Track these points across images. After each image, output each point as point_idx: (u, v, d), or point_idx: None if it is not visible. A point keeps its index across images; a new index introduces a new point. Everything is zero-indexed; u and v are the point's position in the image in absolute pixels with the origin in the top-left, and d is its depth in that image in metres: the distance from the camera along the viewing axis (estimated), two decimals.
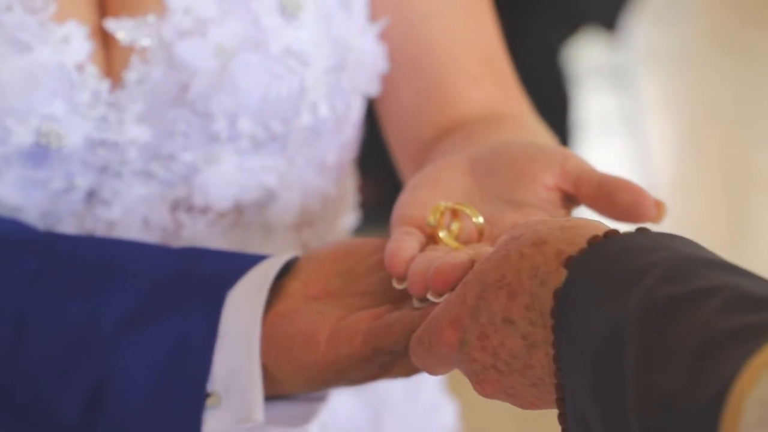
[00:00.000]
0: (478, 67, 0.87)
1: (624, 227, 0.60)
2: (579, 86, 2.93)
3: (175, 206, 0.83)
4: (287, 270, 0.74)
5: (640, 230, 0.57)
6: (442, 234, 0.71)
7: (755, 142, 3.46)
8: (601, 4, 2.83)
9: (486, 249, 0.67)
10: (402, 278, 0.69)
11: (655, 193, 0.69)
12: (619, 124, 3.31)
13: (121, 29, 0.78)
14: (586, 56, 3.16)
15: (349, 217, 0.94)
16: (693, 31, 4.11)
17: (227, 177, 0.82)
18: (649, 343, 0.50)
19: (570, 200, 0.73)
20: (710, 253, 0.55)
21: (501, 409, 0.81)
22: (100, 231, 0.82)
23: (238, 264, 0.74)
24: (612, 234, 0.57)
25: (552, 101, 2.66)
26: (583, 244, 0.56)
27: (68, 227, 0.82)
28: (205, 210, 0.83)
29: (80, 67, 0.78)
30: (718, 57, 3.87)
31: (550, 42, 2.71)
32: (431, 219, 0.71)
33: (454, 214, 0.72)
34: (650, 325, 0.50)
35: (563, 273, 0.56)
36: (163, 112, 0.79)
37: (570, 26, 2.77)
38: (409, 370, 0.71)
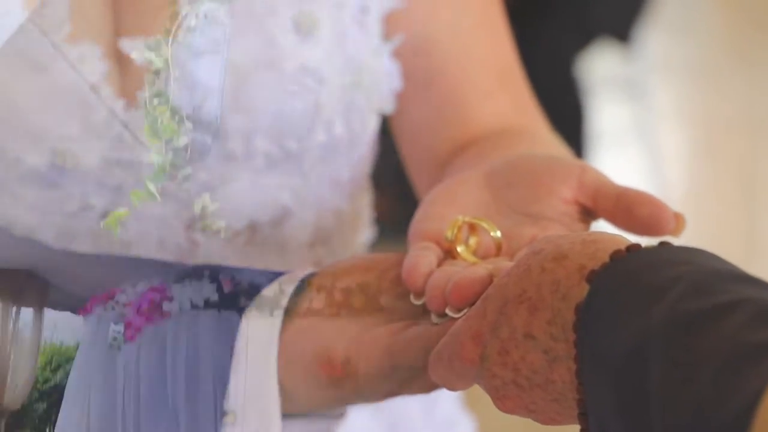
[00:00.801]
0: (493, 81, 0.87)
1: (643, 241, 0.60)
2: (592, 97, 2.93)
3: (190, 225, 0.83)
4: (304, 286, 0.73)
5: (662, 244, 0.57)
6: (459, 248, 0.71)
7: None
8: (615, 15, 2.83)
9: (504, 263, 0.67)
10: (420, 293, 0.68)
11: (669, 205, 0.69)
12: (633, 135, 3.31)
13: (135, 49, 0.78)
14: (600, 67, 3.16)
15: (363, 234, 0.94)
16: (707, 41, 4.10)
17: (242, 195, 0.82)
18: (675, 357, 0.50)
19: (588, 214, 0.72)
20: (733, 266, 0.55)
21: (519, 424, 0.80)
22: (116, 250, 0.82)
23: (255, 281, 0.73)
24: (634, 248, 0.56)
25: (565, 112, 2.65)
26: (605, 259, 0.56)
27: (83, 247, 0.82)
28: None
29: (95, 88, 0.78)
30: (732, 66, 3.86)
31: (563, 53, 2.71)
32: (449, 233, 0.71)
33: (472, 228, 0.72)
34: (676, 340, 0.50)
35: (585, 287, 0.56)
36: None
37: (583, 37, 2.77)
38: (428, 387, 0.71)
